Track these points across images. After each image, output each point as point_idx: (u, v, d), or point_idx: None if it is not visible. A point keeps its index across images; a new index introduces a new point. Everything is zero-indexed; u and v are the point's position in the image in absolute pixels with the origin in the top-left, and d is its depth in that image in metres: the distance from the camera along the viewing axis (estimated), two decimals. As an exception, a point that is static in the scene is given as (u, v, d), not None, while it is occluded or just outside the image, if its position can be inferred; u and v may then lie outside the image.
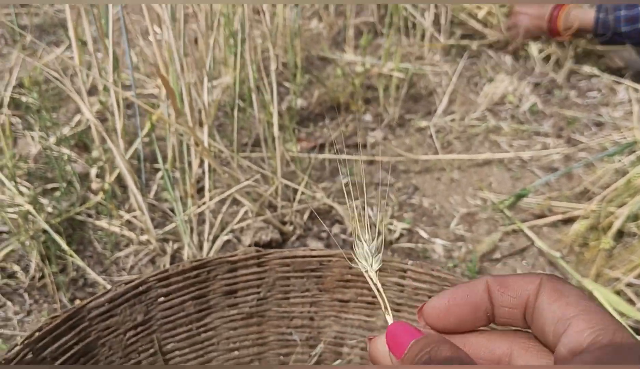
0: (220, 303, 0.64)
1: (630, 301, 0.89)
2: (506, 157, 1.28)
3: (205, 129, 0.87)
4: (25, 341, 0.52)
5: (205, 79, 0.90)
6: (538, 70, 1.63)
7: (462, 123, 1.39)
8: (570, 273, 0.94)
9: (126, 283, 0.58)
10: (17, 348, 0.52)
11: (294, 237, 1.03)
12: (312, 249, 0.65)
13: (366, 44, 1.55)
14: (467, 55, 1.67)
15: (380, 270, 0.65)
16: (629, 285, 0.91)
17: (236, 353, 0.67)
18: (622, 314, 0.83)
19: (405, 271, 0.64)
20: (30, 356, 0.52)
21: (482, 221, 1.11)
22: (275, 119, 0.96)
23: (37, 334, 0.53)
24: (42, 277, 0.92)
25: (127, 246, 0.99)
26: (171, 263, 0.96)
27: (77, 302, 0.88)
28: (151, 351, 0.62)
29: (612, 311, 0.83)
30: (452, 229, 1.09)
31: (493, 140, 1.35)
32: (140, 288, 0.59)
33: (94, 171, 1.07)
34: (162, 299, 0.61)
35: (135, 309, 0.59)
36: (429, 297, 0.64)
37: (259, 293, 0.65)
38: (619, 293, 0.89)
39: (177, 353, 0.64)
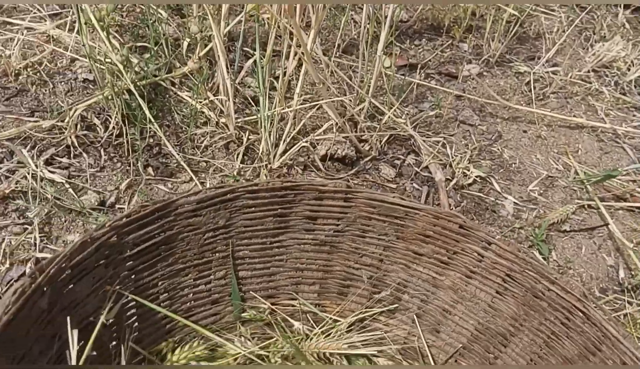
0: (298, 225, 0.64)
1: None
2: (600, 127, 1.21)
3: (312, 33, 0.83)
4: (113, 224, 0.53)
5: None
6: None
7: (563, 78, 1.31)
8: (635, 264, 0.91)
9: (216, 188, 0.58)
10: (104, 229, 0.52)
11: (367, 158, 1.01)
12: (401, 198, 0.63)
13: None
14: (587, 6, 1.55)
15: (464, 235, 0.63)
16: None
17: (300, 273, 0.67)
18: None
19: (489, 243, 0.63)
20: (114, 239, 0.53)
21: (560, 189, 1.07)
22: (383, 36, 0.90)
23: (124, 220, 0.53)
24: (120, 136, 0.92)
25: (205, 124, 0.98)
26: (244, 154, 0.95)
27: (149, 169, 0.89)
28: (224, 254, 0.62)
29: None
30: (528, 189, 1.05)
31: (591, 104, 1.27)
32: (229, 196, 0.58)
33: (185, 44, 1.04)
34: (246, 209, 0.60)
35: (219, 214, 0.59)
36: (506, 274, 0.63)
37: (338, 225, 0.65)
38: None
39: (247, 260, 0.64)
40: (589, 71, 1.34)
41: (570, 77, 1.31)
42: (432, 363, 0.68)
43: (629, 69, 1.38)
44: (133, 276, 0.57)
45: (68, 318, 0.49)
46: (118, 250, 0.54)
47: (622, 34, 1.49)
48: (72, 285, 0.50)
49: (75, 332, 0.49)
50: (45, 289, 0.47)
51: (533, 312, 0.62)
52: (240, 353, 0.62)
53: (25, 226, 0.78)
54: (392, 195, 0.63)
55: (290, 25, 0.77)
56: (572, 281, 0.59)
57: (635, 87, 1.35)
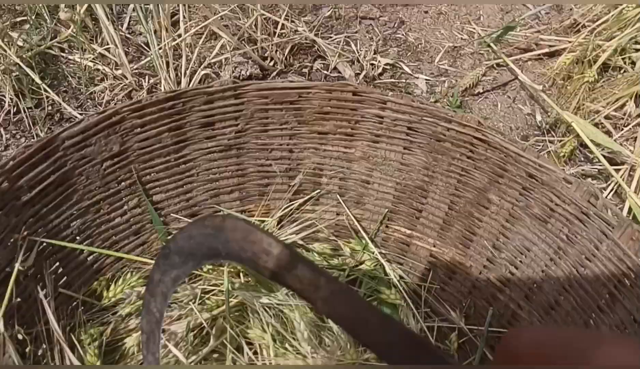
0: (197, 135, 0.64)
1: (608, 133, 0.90)
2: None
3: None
4: (0, 170, 0.52)
5: None
6: None
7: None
8: (550, 106, 0.94)
9: (99, 113, 0.57)
10: (-8, 177, 0.51)
11: (274, 73, 1.01)
12: (290, 81, 0.63)
13: None
14: None
15: (359, 102, 0.64)
16: (607, 118, 0.91)
17: (216, 183, 0.67)
18: (598, 144, 0.84)
19: (385, 102, 0.63)
20: (6, 184, 0.52)
21: (467, 56, 1.09)
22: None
23: (11, 163, 0.52)
24: (18, 112, 0.90)
25: (102, 80, 0.96)
26: (149, 99, 0.94)
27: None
28: (130, 181, 0.62)
29: (589, 142, 0.84)
30: (436, 64, 1.07)
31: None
32: (114, 118, 0.58)
33: (62, 2, 1.01)
34: (137, 130, 0.60)
35: (111, 140, 0.59)
36: (408, 128, 0.64)
37: (237, 125, 0.65)
38: (597, 125, 0.89)
39: (157, 183, 0.64)
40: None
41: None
42: (365, 235, 0.70)
43: None
44: (40, 222, 0.56)
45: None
46: (14, 196, 0.53)
47: None
48: (-29, 237, 0.49)
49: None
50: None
51: (440, 156, 0.64)
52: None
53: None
54: (281, 81, 0.63)
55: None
56: (467, 115, 0.60)
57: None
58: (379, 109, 0.64)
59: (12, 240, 0.54)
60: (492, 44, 1.08)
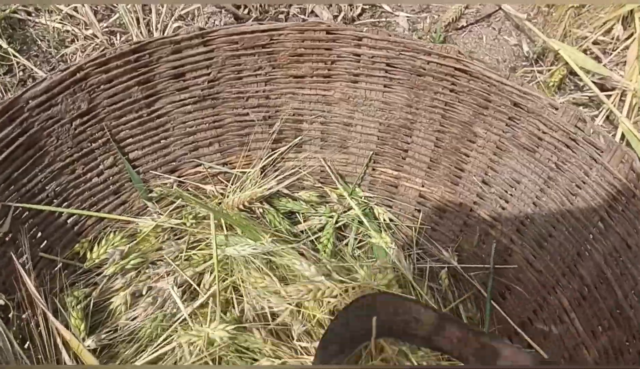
0: (168, 87, 0.61)
1: (597, 58, 0.87)
2: None
3: None
4: (-38, 137, 0.50)
5: None
6: None
7: None
8: (537, 35, 0.91)
9: (62, 71, 0.55)
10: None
11: (250, 21, 0.97)
12: (260, 23, 0.60)
13: None
14: None
15: (334, 40, 0.61)
16: (595, 43, 0.88)
17: (193, 136, 0.65)
18: (587, 71, 0.82)
19: (360, 39, 0.61)
20: (-29, 150, 0.50)
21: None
22: None
23: (-27, 128, 0.50)
24: (-12, 80, 0.87)
25: (72, 42, 0.93)
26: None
27: None
28: (103, 139, 0.60)
29: (578, 69, 0.82)
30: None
31: None
32: (78, 75, 0.55)
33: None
34: (105, 85, 0.57)
35: (78, 97, 0.56)
36: (387, 64, 0.62)
37: (209, 74, 0.62)
38: (585, 51, 0.87)
39: (131, 140, 0.62)
40: None
41: None
42: (345, 183, 0.68)
43: None
44: (12, 186, 0.54)
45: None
46: (-20, 162, 0.51)
47: None
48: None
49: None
50: None
51: (422, 91, 0.61)
52: (154, 225, 0.61)
53: None
54: (250, 24, 0.60)
55: None
56: (446, 45, 0.58)
57: None
58: (354, 47, 0.61)
59: (-16, 208, 0.52)
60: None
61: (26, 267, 0.54)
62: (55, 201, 0.58)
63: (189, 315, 0.57)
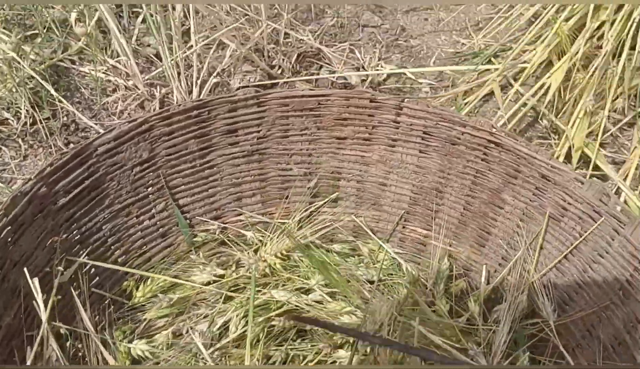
0: (222, 141, 0.66)
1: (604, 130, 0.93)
2: (493, -3, 1.26)
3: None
4: (38, 176, 0.54)
5: None
6: None
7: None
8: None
9: (129, 122, 0.59)
10: (31, 182, 0.53)
11: (282, 81, 1.03)
12: (310, 89, 0.66)
13: None
14: None
15: (376, 108, 0.66)
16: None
17: (238, 187, 0.69)
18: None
19: (401, 108, 0.66)
20: (44, 189, 0.54)
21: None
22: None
23: (48, 169, 0.54)
24: (34, 123, 0.92)
25: (114, 91, 0.98)
26: (160, 107, 0.96)
27: (71, 146, 0.89)
28: (158, 186, 0.64)
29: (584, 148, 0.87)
30: (438, 68, 1.10)
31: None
32: (144, 126, 0.60)
33: (73, 16, 1.03)
34: (165, 137, 0.62)
35: (140, 147, 0.61)
36: (423, 132, 0.67)
37: (259, 131, 0.67)
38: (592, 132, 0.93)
39: (182, 187, 0.66)
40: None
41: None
42: (378, 238, 0.72)
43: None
44: (74, 225, 0.58)
45: (25, 269, 0.50)
46: (51, 200, 0.55)
47: None
48: (16, 240, 0.51)
49: (36, 280, 0.51)
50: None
51: (455, 158, 0.66)
52: (199, 278, 0.65)
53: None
54: (301, 88, 0.65)
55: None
56: (480, 118, 0.63)
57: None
58: (395, 115, 0.67)
59: (50, 242, 0.56)
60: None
61: (81, 301, 0.57)
62: (109, 240, 0.62)
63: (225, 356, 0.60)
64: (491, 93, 1.05)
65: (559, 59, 0.96)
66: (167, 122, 0.61)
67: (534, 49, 1.01)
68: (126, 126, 0.59)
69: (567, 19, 0.96)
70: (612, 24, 0.92)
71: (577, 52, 0.92)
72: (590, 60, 0.95)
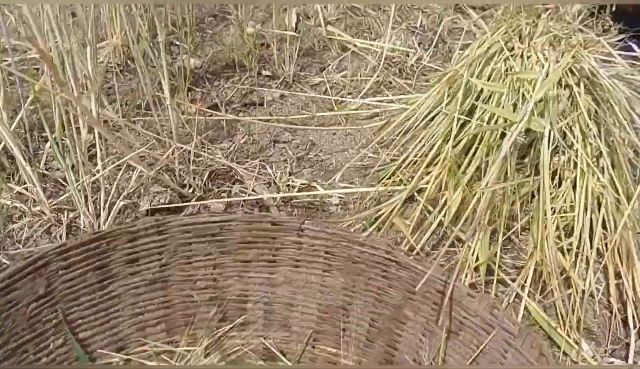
0: (122, 271, 0.65)
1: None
2: (394, 109, 1.33)
3: (92, 97, 0.85)
4: None
5: (89, 45, 0.87)
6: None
7: (353, 79, 1.44)
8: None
9: (25, 258, 0.58)
10: None
11: (194, 199, 1.04)
12: (212, 214, 0.67)
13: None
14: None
15: (278, 230, 0.68)
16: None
17: (141, 317, 0.68)
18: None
19: (302, 230, 0.68)
20: None
21: (376, 173, 1.17)
22: (165, 81, 0.95)
23: None
24: None
25: (20, 218, 0.96)
26: (67, 233, 0.94)
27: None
28: (55, 321, 0.62)
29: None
30: (347, 181, 1.14)
31: (384, 93, 1.41)
32: (40, 262, 0.59)
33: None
34: (63, 271, 0.61)
35: (37, 283, 0.60)
36: (325, 252, 0.69)
37: (161, 259, 0.67)
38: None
39: (81, 321, 0.65)
40: (374, 67, 1.48)
41: (359, 76, 1.44)
42: (288, 360, 0.72)
43: (407, 56, 1.53)
44: (-39, 373, 0.55)
45: None
46: None
47: (393, 27, 1.65)
48: None
49: None
50: None
51: (357, 276, 0.68)
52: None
53: None
54: (202, 215, 0.66)
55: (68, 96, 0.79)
56: (377, 238, 0.66)
57: (415, 69, 1.50)
58: (297, 236, 0.69)
59: None
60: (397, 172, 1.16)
61: None
62: (1, 384, 0.59)
63: None
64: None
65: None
66: (64, 256, 0.61)
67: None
68: (21, 263, 0.58)
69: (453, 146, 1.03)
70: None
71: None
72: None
